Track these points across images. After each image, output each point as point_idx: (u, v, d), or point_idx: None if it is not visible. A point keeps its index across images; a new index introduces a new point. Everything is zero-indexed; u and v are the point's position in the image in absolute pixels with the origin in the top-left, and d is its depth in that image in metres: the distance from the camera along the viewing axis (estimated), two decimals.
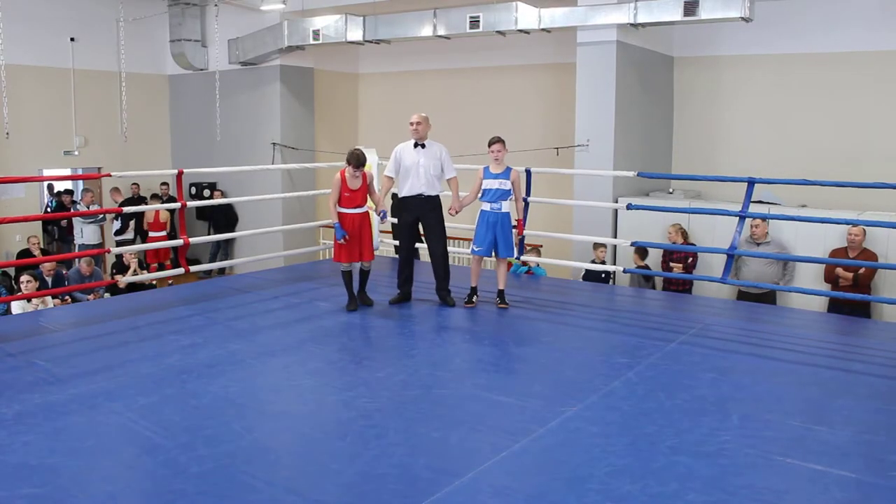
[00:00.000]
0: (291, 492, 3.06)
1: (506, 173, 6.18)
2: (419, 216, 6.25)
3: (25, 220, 10.36)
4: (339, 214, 5.88)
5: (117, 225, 12.52)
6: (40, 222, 12.16)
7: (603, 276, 8.37)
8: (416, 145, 6.18)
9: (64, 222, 12.33)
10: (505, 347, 5.25)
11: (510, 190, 6.20)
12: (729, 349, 5.13)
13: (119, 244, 11.93)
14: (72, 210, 12.00)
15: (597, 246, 8.53)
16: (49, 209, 12.62)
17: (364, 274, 6.14)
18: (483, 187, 6.20)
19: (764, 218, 7.69)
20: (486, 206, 6.19)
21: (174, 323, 5.65)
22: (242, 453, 3.40)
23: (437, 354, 5.02)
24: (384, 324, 5.74)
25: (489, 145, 6.20)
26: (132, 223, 12.66)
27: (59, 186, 13.07)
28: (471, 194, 6.32)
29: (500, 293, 6.29)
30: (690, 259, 8.32)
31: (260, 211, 12.50)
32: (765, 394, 4.21)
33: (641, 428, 3.70)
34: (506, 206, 6.19)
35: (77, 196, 12.72)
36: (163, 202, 12.19)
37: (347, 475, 3.21)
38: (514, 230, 6.41)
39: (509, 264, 7.74)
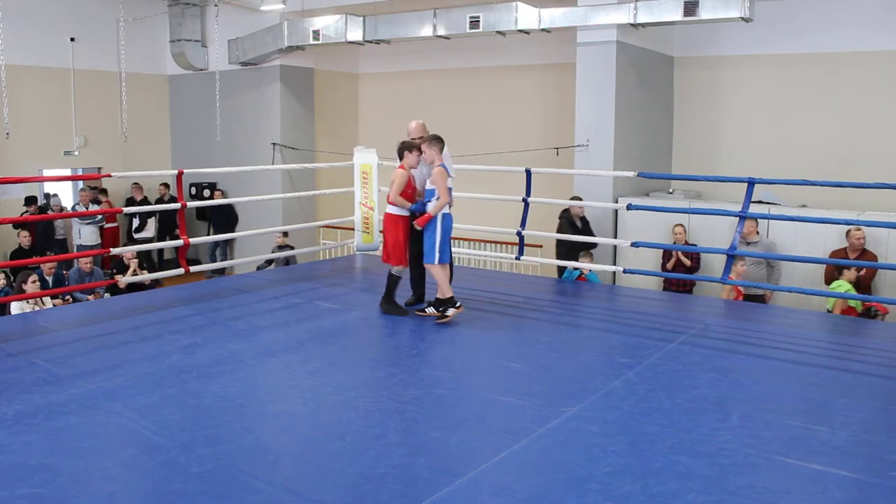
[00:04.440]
0: (291, 492, 3.06)
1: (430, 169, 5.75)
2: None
3: (25, 220, 10.38)
4: (395, 216, 5.74)
5: (136, 223, 12.62)
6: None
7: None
8: None
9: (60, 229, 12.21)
10: (505, 347, 5.24)
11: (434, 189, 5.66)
12: (729, 349, 5.13)
13: (138, 243, 11.90)
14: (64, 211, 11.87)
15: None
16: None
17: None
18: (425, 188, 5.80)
19: (763, 218, 7.68)
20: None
21: (174, 323, 5.65)
22: (242, 453, 3.40)
23: (436, 354, 5.02)
24: (384, 324, 5.73)
25: None
26: (151, 221, 12.70)
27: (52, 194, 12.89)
28: (443, 197, 5.63)
29: (434, 302, 5.77)
30: (692, 259, 8.32)
31: (260, 211, 12.50)
32: (765, 394, 4.22)
33: (641, 428, 3.70)
34: (429, 207, 5.65)
35: (53, 202, 12.35)
36: (164, 203, 12.17)
37: (347, 475, 3.21)
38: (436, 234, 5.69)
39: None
